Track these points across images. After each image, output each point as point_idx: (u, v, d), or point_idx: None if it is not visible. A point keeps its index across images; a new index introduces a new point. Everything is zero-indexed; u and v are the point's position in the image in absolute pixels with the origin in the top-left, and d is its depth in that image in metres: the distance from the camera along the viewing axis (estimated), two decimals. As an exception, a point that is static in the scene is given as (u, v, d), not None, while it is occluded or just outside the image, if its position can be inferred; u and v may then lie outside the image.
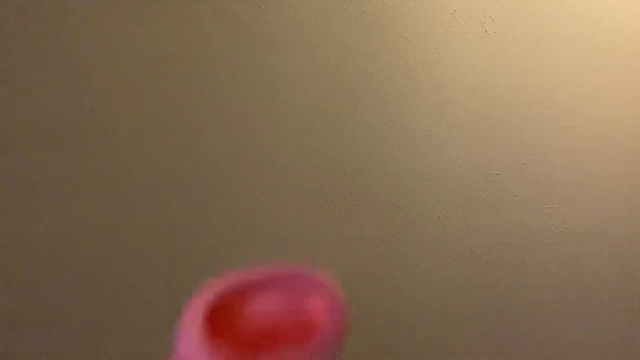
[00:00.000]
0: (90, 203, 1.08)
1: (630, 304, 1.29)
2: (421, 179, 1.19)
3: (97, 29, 1.06)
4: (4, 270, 1.07)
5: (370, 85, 1.15)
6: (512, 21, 1.18)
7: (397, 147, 1.17)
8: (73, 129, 1.07)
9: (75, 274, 1.09)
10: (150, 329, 1.13)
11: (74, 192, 1.08)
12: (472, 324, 1.22)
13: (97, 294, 1.10)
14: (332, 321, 0.41)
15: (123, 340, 1.12)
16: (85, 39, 1.05)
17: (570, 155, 1.23)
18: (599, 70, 1.22)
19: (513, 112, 1.21)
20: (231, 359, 0.39)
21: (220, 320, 0.42)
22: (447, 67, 1.17)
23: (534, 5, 1.19)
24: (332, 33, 1.12)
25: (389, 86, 1.16)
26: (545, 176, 1.23)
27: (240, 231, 1.14)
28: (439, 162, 1.19)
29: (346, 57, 1.13)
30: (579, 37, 1.21)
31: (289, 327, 0.42)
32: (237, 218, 1.13)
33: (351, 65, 1.14)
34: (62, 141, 1.07)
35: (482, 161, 1.21)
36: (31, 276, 1.08)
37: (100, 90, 1.07)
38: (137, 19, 1.06)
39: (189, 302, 0.42)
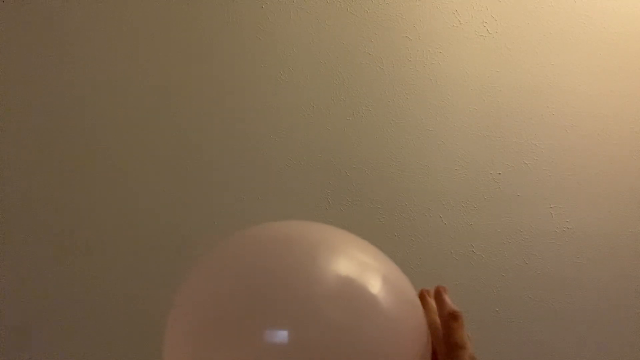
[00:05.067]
0: (90, 202, 1.09)
1: (632, 304, 1.28)
2: (422, 179, 1.19)
3: (96, 27, 1.06)
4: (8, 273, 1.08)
5: (372, 85, 1.15)
6: (513, 21, 1.18)
7: (398, 147, 1.17)
8: (71, 119, 1.07)
9: (75, 274, 1.10)
10: (148, 330, 1.13)
11: (69, 185, 1.08)
12: (473, 323, 1.22)
13: (96, 293, 1.11)
14: None
15: (122, 343, 1.12)
16: (84, 37, 1.06)
17: (572, 155, 1.23)
18: (601, 69, 1.22)
19: (515, 112, 1.20)
20: None
21: None
22: (448, 67, 1.17)
23: (536, 5, 1.18)
24: (332, 33, 1.12)
25: (390, 86, 1.16)
26: (547, 176, 1.22)
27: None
28: (440, 161, 1.19)
29: (347, 57, 1.13)
30: (580, 36, 1.20)
31: None
32: (237, 217, 1.13)
33: (352, 65, 1.14)
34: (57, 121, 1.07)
35: (483, 161, 1.20)
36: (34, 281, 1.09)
37: (99, 85, 1.07)
38: (136, 17, 1.07)
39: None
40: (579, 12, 1.20)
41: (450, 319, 0.42)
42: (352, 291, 0.38)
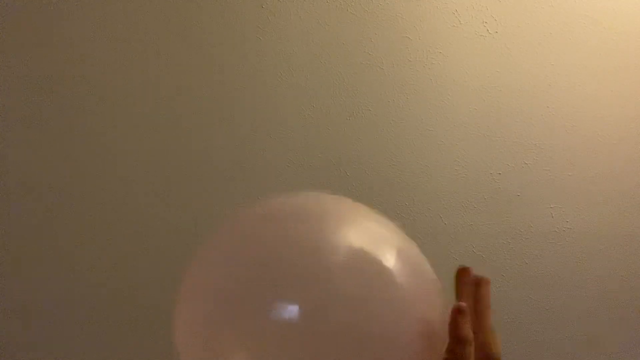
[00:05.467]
0: (90, 202, 1.09)
1: (632, 304, 1.28)
2: (422, 179, 1.19)
3: (96, 26, 1.06)
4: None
5: (372, 85, 1.15)
6: (513, 21, 1.18)
7: (398, 147, 1.17)
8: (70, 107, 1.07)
9: (75, 273, 1.10)
10: (150, 331, 1.13)
11: (70, 185, 1.08)
12: (473, 324, 1.22)
13: (96, 292, 1.11)
14: None
15: (121, 341, 1.12)
16: (82, 36, 1.06)
17: (572, 155, 1.23)
18: (601, 70, 1.22)
19: (515, 112, 1.20)
20: None
21: None
22: (448, 67, 1.17)
23: (536, 5, 1.18)
24: (332, 33, 1.12)
25: (390, 86, 1.16)
26: (547, 176, 1.22)
27: (241, 231, 1.14)
28: (440, 161, 1.19)
29: (347, 57, 1.13)
30: (580, 37, 1.20)
31: None
32: (238, 218, 1.13)
33: (352, 65, 1.14)
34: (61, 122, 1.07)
35: (483, 161, 1.20)
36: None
37: (98, 85, 1.07)
38: (136, 18, 1.07)
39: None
40: (579, 12, 1.19)
41: (456, 312, 0.40)
42: (364, 263, 0.36)
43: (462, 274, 0.46)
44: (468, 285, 0.45)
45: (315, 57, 1.12)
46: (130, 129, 1.08)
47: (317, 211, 0.39)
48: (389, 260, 0.37)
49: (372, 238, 0.39)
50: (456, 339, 0.39)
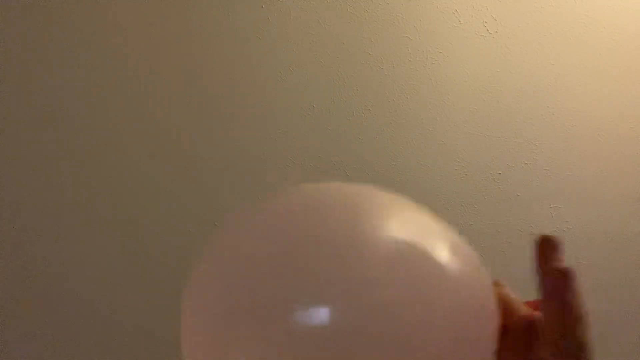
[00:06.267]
0: (90, 203, 1.09)
1: (632, 305, 1.28)
2: (422, 179, 1.19)
3: (94, 28, 1.06)
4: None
5: (372, 85, 1.15)
6: (513, 20, 1.18)
7: (398, 147, 1.17)
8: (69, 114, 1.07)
9: (74, 275, 1.10)
10: (152, 331, 1.13)
11: (68, 189, 1.08)
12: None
13: (96, 295, 1.11)
14: None
15: (122, 346, 1.12)
16: (79, 36, 1.06)
17: (572, 155, 1.23)
18: (601, 69, 1.22)
19: (515, 112, 1.20)
20: None
21: None
22: (448, 67, 1.17)
23: (536, 5, 1.18)
24: (332, 33, 1.12)
25: (390, 86, 1.16)
26: (547, 176, 1.22)
27: (241, 231, 1.14)
28: (440, 161, 1.19)
29: (347, 57, 1.13)
30: (581, 36, 1.20)
31: None
32: (238, 218, 1.13)
33: (352, 65, 1.14)
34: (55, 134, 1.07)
35: (483, 161, 1.20)
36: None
37: (98, 86, 1.07)
38: (135, 18, 1.06)
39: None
40: (579, 12, 1.19)
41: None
42: (409, 260, 0.30)
43: (545, 245, 0.33)
44: (550, 263, 0.33)
45: (315, 57, 1.12)
46: (128, 131, 1.08)
47: (352, 201, 0.33)
48: (439, 257, 0.31)
49: (419, 231, 0.32)
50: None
